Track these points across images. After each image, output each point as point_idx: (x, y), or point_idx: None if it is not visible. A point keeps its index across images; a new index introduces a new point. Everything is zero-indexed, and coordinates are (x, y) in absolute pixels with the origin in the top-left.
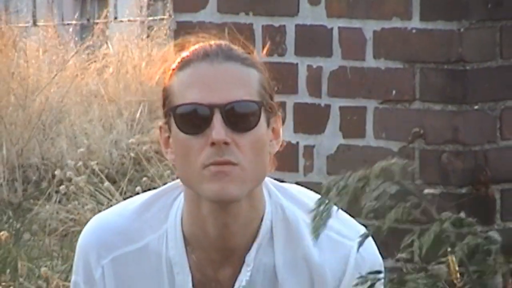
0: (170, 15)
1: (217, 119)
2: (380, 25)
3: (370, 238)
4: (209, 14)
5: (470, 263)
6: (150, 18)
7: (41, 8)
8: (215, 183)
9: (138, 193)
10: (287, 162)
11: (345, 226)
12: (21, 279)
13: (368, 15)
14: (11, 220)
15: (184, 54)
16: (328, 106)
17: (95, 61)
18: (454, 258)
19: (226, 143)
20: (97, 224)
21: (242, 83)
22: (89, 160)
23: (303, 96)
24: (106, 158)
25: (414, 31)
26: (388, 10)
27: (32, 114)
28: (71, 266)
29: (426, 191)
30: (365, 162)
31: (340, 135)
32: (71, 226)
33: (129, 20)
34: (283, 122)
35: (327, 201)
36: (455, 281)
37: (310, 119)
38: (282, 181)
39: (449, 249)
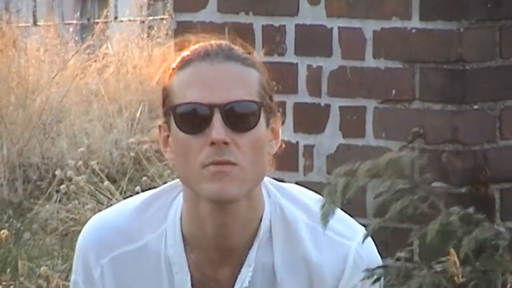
0: (170, 15)
1: (217, 119)
2: (380, 25)
3: (369, 238)
4: (209, 14)
5: (476, 259)
6: (150, 18)
7: (42, 8)
8: (215, 182)
9: (138, 193)
10: (287, 161)
11: (344, 226)
12: (21, 279)
13: (368, 15)
14: (11, 220)
15: (185, 53)
16: (328, 106)
17: (95, 61)
18: (456, 255)
19: (225, 143)
20: (96, 223)
21: (242, 83)
22: (89, 159)
23: (303, 96)
24: (106, 157)
25: (413, 31)
26: (388, 10)
27: (32, 114)
28: (71, 265)
29: (435, 184)
30: None
31: (340, 135)
32: (72, 226)
33: (129, 20)
34: (283, 122)
35: (336, 189)
36: (455, 279)
37: (310, 119)
38: (282, 181)
39: (455, 243)
